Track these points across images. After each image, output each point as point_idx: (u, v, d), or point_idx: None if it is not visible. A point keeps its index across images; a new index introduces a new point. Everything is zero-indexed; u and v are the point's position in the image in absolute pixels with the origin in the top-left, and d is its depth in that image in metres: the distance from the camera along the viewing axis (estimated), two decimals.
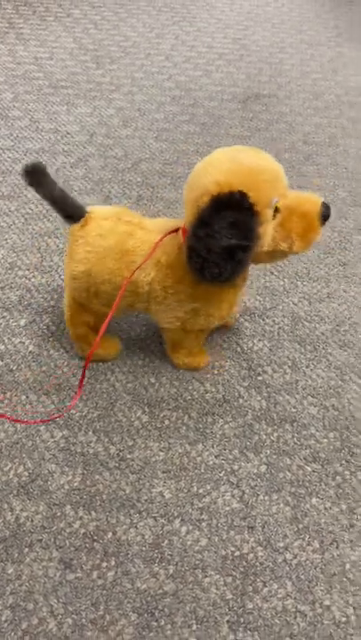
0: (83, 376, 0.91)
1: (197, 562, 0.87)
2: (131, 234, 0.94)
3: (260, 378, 1.15)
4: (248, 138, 1.93)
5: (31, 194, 1.58)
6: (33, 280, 1.32)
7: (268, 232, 0.84)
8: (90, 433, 1.03)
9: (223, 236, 0.79)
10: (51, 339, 1.19)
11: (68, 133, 1.88)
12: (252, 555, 0.89)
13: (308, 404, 1.11)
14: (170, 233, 0.94)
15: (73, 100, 2.07)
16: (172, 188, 1.65)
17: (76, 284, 0.98)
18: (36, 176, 0.90)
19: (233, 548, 0.89)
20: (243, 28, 2.82)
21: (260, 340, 1.23)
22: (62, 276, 1.34)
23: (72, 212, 0.94)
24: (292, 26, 2.88)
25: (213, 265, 0.82)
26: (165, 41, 2.61)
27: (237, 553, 0.89)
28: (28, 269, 1.35)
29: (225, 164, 0.79)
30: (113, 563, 0.87)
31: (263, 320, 1.27)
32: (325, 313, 1.30)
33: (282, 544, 0.90)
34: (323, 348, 1.22)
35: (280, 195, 0.82)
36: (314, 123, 2.05)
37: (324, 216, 0.84)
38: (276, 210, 0.82)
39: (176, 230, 0.95)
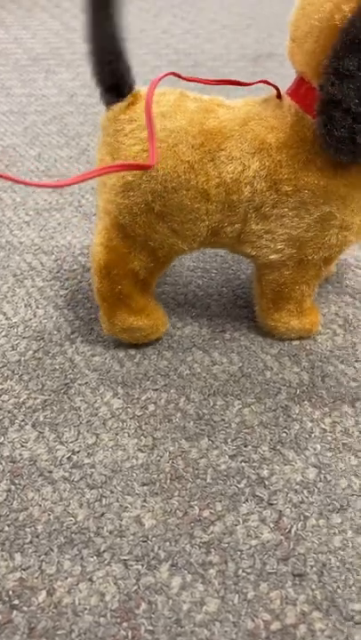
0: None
1: None
2: (208, 110, 0.58)
3: (295, 342, 0.75)
4: (262, 90, 1.59)
5: None
6: None
7: None
8: (27, 427, 0.64)
9: None
10: None
11: (43, 96, 1.57)
12: (303, 628, 0.47)
13: None
14: (263, 82, 0.61)
15: (53, 69, 1.78)
16: None
17: (130, 199, 0.60)
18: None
19: (268, 616, 0.48)
20: (248, 5, 2.54)
21: None
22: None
23: (121, 80, 0.57)
24: None
25: None
26: (162, 19, 2.33)
27: (276, 625, 0.48)
28: None
29: None
30: None
31: None
32: None
33: (358, 606, 0.49)
34: None
35: None
36: None
37: None
38: None
39: (277, 91, 0.60)
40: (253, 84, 0.63)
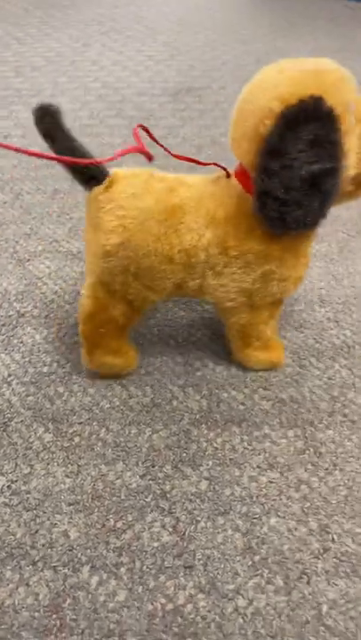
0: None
1: (113, 625, 0.61)
2: (171, 189, 0.73)
3: (198, 373, 0.91)
4: (180, 127, 1.75)
5: None
6: None
7: (353, 146, 0.65)
8: None
9: (303, 163, 0.61)
10: None
11: None
12: (190, 606, 0.63)
13: (260, 398, 0.87)
14: (216, 165, 0.76)
15: None
16: None
17: (109, 264, 0.75)
18: (50, 120, 0.68)
19: (164, 600, 0.64)
20: (173, 33, 2.69)
21: (197, 329, 1.00)
22: None
23: (94, 172, 0.72)
24: (224, 28, 2.77)
25: (296, 206, 0.64)
26: (92, 49, 2.46)
27: (170, 606, 0.63)
28: None
29: (281, 76, 0.62)
30: None
31: (202, 307, 1.05)
32: None
33: (232, 586, 0.65)
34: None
35: (355, 100, 0.63)
36: None
37: None
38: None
39: (226, 172, 0.75)
40: (208, 164, 0.77)
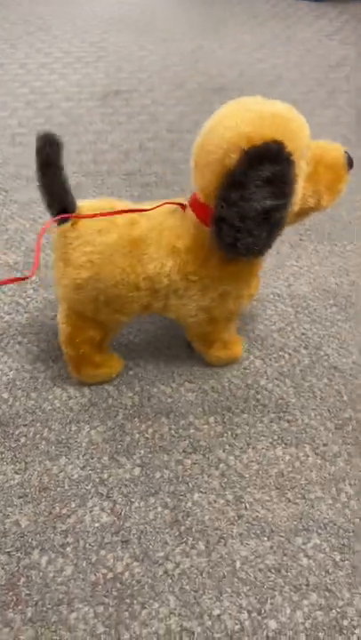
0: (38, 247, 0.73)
1: (62, 595, 0.73)
2: (133, 222, 0.80)
3: (131, 372, 1.02)
4: (109, 132, 1.83)
5: None
6: None
7: (300, 186, 0.75)
8: None
9: (259, 197, 0.69)
10: None
11: None
12: (127, 573, 0.75)
13: (186, 390, 0.99)
14: (167, 203, 0.83)
15: None
16: (26, 190, 1.51)
17: (80, 295, 0.82)
18: (53, 151, 0.72)
19: (105, 570, 0.75)
20: (101, 32, 2.74)
21: (129, 331, 1.11)
22: None
23: (67, 208, 0.78)
24: (151, 27, 2.84)
25: (247, 234, 0.72)
26: (19, 51, 2.48)
27: (110, 575, 0.75)
28: None
29: (247, 115, 0.69)
30: None
31: None
32: None
33: (162, 554, 0.77)
34: None
35: (308, 145, 0.73)
36: (178, 111, 1.98)
37: (350, 163, 0.77)
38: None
39: (181, 205, 0.82)
40: (159, 206, 0.82)
